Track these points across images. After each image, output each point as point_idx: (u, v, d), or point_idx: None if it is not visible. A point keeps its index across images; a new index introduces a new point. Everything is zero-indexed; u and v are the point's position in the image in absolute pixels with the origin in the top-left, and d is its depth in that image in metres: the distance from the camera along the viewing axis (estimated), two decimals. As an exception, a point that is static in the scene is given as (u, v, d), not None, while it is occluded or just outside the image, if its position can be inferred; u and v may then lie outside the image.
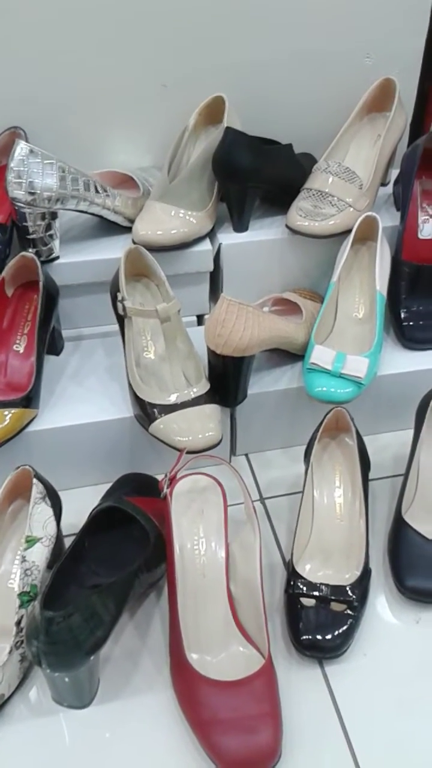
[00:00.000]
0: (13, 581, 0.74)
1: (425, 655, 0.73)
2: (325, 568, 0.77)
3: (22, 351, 0.87)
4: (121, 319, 0.84)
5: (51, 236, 0.88)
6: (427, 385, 0.87)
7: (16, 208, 0.85)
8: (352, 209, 0.92)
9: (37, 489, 0.74)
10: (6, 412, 0.79)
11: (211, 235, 0.94)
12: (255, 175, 0.91)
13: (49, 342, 0.88)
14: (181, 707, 0.68)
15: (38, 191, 0.83)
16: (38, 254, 0.87)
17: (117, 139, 1.01)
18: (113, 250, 0.91)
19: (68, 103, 0.97)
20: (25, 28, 0.91)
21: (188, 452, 0.77)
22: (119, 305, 0.82)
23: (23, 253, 0.86)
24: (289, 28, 0.97)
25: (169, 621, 0.71)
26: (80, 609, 0.62)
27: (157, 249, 0.88)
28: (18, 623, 0.68)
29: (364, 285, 0.93)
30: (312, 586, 0.73)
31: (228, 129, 0.90)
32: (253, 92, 0.99)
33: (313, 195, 0.93)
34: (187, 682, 0.67)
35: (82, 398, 0.87)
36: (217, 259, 0.95)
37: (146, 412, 0.80)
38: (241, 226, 0.95)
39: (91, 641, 0.63)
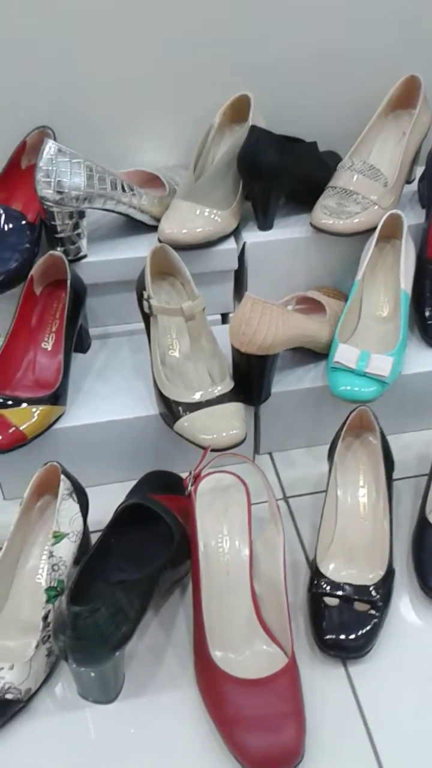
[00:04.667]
0: (41, 576, 0.75)
1: (449, 655, 0.73)
2: (349, 567, 0.77)
3: (50, 348, 0.88)
4: (146, 318, 0.85)
5: (78, 235, 0.89)
6: (453, 384, 0.87)
7: (45, 207, 0.85)
8: (376, 207, 0.92)
9: (64, 485, 0.75)
10: (34, 409, 0.80)
11: (235, 233, 0.94)
12: (280, 174, 0.91)
13: (77, 340, 0.89)
14: (205, 704, 0.68)
15: (66, 190, 0.84)
16: (66, 253, 0.88)
17: (143, 138, 1.01)
18: (139, 249, 0.91)
19: (96, 103, 0.97)
20: (51, 28, 0.91)
21: (212, 450, 0.77)
22: (145, 303, 0.83)
23: (51, 252, 0.87)
24: (313, 26, 0.96)
25: (193, 618, 0.72)
26: (106, 605, 0.63)
27: (182, 247, 0.88)
28: (45, 618, 0.69)
29: (388, 283, 0.93)
30: (335, 585, 0.73)
31: (253, 127, 0.90)
32: (277, 90, 0.99)
33: (338, 193, 0.92)
34: (211, 680, 0.68)
35: (109, 396, 0.88)
36: (241, 257, 0.95)
37: (171, 410, 0.81)
38: (265, 225, 0.95)
39: (116, 637, 0.64)
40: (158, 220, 0.92)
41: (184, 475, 0.80)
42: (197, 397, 0.81)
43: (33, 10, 0.90)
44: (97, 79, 0.96)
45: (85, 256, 0.91)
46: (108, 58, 0.95)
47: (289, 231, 0.95)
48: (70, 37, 0.92)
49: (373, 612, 0.72)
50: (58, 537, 0.72)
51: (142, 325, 0.86)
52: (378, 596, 0.73)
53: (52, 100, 0.96)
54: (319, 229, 0.92)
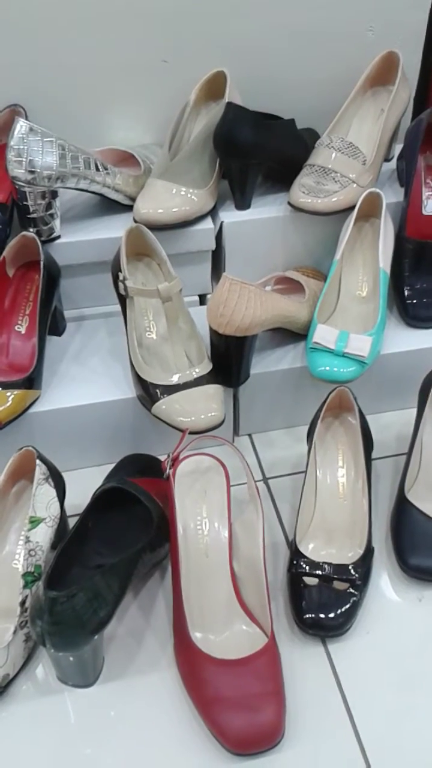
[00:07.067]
0: (18, 562, 0.74)
1: (427, 633, 0.74)
2: (328, 547, 0.77)
3: (24, 332, 0.87)
4: (122, 299, 0.84)
5: (51, 215, 0.88)
6: (431, 363, 0.86)
7: (17, 187, 0.84)
8: (355, 185, 0.91)
9: (40, 470, 0.74)
10: (8, 393, 0.79)
11: (212, 213, 0.93)
12: (257, 151, 0.90)
13: (51, 322, 0.88)
14: (185, 686, 0.68)
15: (38, 170, 0.82)
16: (39, 234, 0.87)
17: (117, 115, 0.99)
18: (114, 229, 0.90)
19: (68, 80, 0.95)
20: (22, 4, 0.89)
21: (191, 433, 0.77)
22: (121, 285, 0.82)
23: (24, 232, 0.86)
24: (291, 1, 0.95)
25: (172, 600, 0.72)
26: (84, 589, 0.63)
27: (158, 227, 0.87)
28: (22, 603, 0.69)
29: (367, 263, 0.93)
30: (315, 565, 0.74)
31: (229, 104, 0.89)
32: (254, 67, 0.98)
33: (316, 171, 0.91)
34: (190, 661, 0.68)
35: (85, 379, 0.87)
36: (219, 237, 0.94)
37: (149, 393, 0.80)
38: (243, 204, 0.94)
39: (94, 621, 0.63)
40: (133, 199, 0.91)
41: (162, 458, 0.79)
42: (175, 379, 0.80)
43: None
44: (69, 55, 0.94)
45: (58, 237, 0.90)
46: (80, 33, 0.93)
47: (266, 210, 0.94)
48: (41, 13, 0.90)
49: (352, 591, 0.73)
50: (34, 522, 0.72)
51: (118, 307, 0.85)
52: (357, 575, 0.73)
53: (23, 78, 0.94)
54: (297, 208, 0.91)
